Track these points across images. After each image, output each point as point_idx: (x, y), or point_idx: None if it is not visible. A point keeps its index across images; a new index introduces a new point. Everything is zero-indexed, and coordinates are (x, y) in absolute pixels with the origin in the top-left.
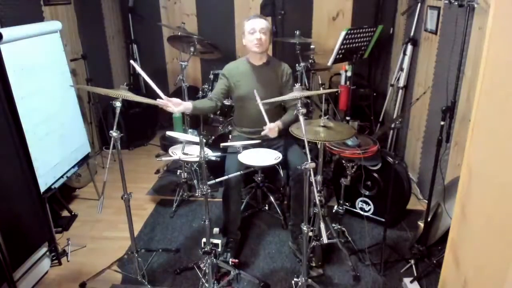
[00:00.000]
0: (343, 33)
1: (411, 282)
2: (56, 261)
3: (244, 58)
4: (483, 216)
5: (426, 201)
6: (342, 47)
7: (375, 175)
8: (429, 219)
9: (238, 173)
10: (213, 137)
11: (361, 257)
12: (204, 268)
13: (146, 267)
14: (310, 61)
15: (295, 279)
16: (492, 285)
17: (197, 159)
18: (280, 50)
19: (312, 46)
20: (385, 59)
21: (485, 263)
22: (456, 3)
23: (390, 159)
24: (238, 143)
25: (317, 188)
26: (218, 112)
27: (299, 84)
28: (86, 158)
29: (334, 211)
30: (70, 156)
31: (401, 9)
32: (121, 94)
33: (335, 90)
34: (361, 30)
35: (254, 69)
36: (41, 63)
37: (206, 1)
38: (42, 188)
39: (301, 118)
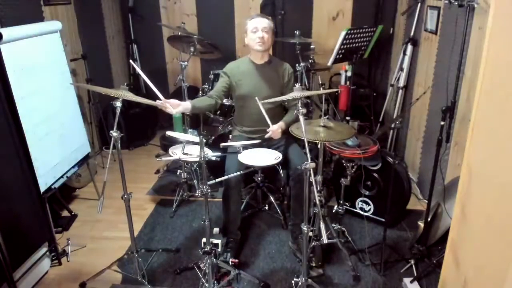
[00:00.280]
0: (343, 33)
1: (411, 282)
2: (56, 261)
3: (246, 57)
4: (483, 216)
5: (426, 201)
6: (342, 47)
7: (375, 175)
8: (429, 219)
9: (238, 173)
10: (213, 137)
11: (361, 257)
12: (204, 268)
13: (146, 267)
14: (310, 61)
15: (295, 279)
16: (492, 285)
17: (197, 159)
18: (280, 50)
19: (312, 46)
20: (385, 59)
21: (485, 263)
22: (456, 3)
23: (390, 159)
24: (238, 143)
25: (317, 188)
26: (218, 112)
27: (299, 84)
28: (86, 158)
29: (334, 211)
30: (70, 156)
31: (401, 9)
32: (121, 94)
33: (335, 90)
34: (361, 30)
35: (256, 68)
36: (41, 63)
37: (206, 1)
38: (42, 188)
39: (301, 118)
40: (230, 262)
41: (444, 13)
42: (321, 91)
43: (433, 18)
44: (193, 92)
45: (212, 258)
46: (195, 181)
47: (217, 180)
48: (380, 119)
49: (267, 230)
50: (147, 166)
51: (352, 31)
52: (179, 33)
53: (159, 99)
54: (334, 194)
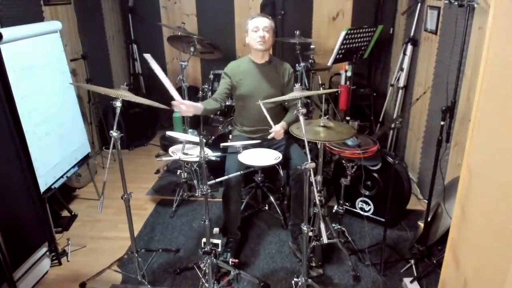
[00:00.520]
0: (343, 33)
1: (411, 282)
2: (56, 261)
3: (246, 57)
4: (483, 216)
5: (426, 201)
6: (342, 47)
7: (375, 175)
8: (429, 219)
9: (238, 173)
10: (213, 137)
11: (361, 257)
12: (204, 268)
13: (146, 267)
14: (310, 61)
15: (295, 279)
16: (492, 285)
17: (197, 159)
18: (280, 50)
19: (312, 46)
20: (385, 59)
21: (485, 263)
22: (456, 3)
23: (390, 159)
24: (238, 143)
25: (317, 188)
26: (218, 112)
27: (299, 84)
28: (86, 158)
29: (334, 211)
30: (70, 156)
31: (401, 9)
32: (121, 94)
33: (335, 90)
34: (361, 30)
35: (256, 68)
36: (41, 63)
37: (206, 1)
38: (42, 188)
39: (301, 118)
40: (230, 262)
41: (444, 13)
42: (321, 91)
43: (433, 18)
44: (193, 92)
45: (212, 258)
46: (195, 181)
47: (217, 180)
48: (380, 119)
49: (267, 230)
50: (147, 166)
51: (352, 31)
52: (179, 33)
53: (173, 99)
54: (334, 194)
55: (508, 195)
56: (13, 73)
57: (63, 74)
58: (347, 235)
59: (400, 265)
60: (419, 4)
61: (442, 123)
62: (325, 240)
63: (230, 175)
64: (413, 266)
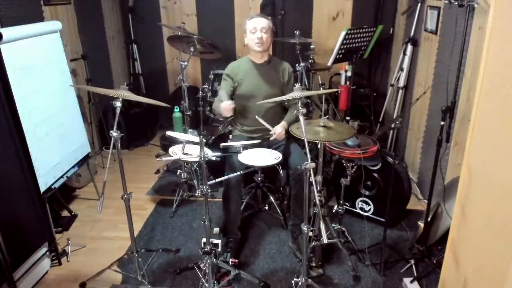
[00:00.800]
0: (343, 33)
1: (411, 282)
2: (56, 261)
3: (246, 57)
4: (483, 216)
5: (426, 201)
6: (342, 47)
7: (375, 175)
8: (429, 219)
9: (238, 173)
10: (213, 137)
11: (361, 257)
12: (204, 268)
13: (146, 267)
14: (310, 61)
15: (295, 279)
16: (492, 285)
17: (197, 159)
18: (280, 50)
19: (312, 46)
20: (385, 59)
21: (485, 263)
22: (456, 3)
23: (390, 159)
24: (238, 143)
25: (317, 188)
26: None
27: (299, 84)
28: (86, 158)
29: (334, 211)
30: (70, 156)
31: (401, 9)
32: (121, 94)
33: (335, 90)
34: (361, 30)
35: (255, 67)
36: (41, 63)
37: (206, 1)
38: (42, 188)
39: (301, 118)
40: (230, 262)
41: (444, 13)
42: (321, 91)
43: (433, 18)
44: (193, 92)
45: (212, 258)
46: (195, 181)
47: (217, 180)
48: (380, 119)
49: (267, 230)
50: (147, 166)
51: (352, 31)
52: (179, 33)
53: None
54: (334, 194)
55: (508, 195)
56: (13, 73)
57: (63, 74)
58: (347, 235)
59: (400, 265)
60: (419, 4)
61: (442, 123)
62: (325, 240)
63: (230, 175)
64: (413, 266)
